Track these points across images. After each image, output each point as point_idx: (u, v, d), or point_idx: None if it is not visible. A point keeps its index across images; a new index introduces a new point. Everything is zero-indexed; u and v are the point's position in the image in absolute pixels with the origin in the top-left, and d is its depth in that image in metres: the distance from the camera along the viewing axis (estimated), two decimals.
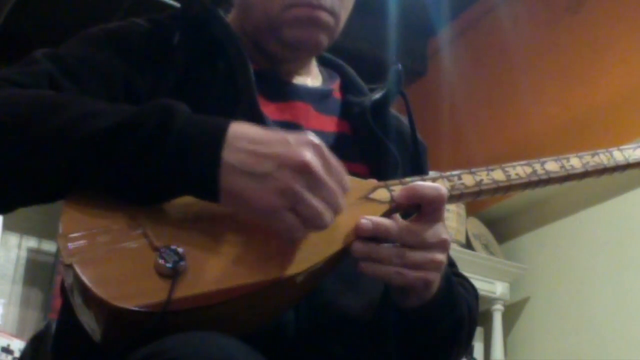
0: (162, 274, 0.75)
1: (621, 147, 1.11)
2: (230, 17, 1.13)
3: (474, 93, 3.55)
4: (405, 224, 0.86)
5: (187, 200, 0.81)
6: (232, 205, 0.79)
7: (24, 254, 3.61)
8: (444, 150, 3.29)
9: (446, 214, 0.92)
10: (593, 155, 1.07)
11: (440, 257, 0.87)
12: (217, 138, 0.79)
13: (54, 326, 1.01)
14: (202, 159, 0.78)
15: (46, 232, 3.54)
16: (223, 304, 0.76)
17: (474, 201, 1.17)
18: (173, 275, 0.74)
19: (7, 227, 3.47)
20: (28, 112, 0.84)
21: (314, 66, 1.17)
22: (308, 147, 0.79)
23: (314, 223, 0.78)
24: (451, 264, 1.06)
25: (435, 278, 0.89)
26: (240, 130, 0.80)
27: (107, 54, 1.01)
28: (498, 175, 0.98)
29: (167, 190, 0.81)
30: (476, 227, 3.28)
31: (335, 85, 1.16)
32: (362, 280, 0.94)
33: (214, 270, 0.77)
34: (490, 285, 3.07)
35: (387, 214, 0.87)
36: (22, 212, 0.96)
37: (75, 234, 0.77)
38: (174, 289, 0.73)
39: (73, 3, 3.40)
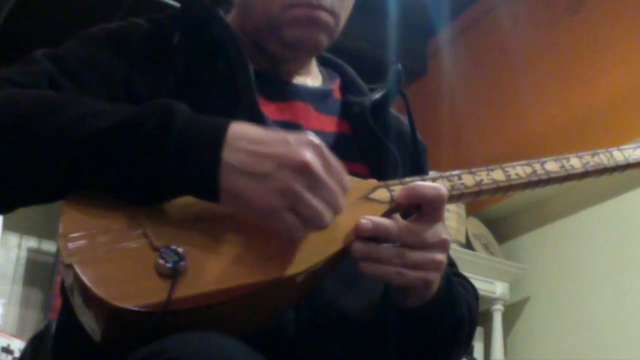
0: (162, 274, 0.75)
1: (621, 147, 1.11)
2: (230, 17, 1.13)
3: (474, 93, 3.54)
4: (405, 224, 0.86)
5: (187, 200, 0.81)
6: (232, 205, 0.79)
7: (24, 254, 3.61)
8: (444, 150, 3.29)
9: (446, 214, 0.92)
10: (593, 155, 1.07)
11: (440, 257, 0.87)
12: (217, 138, 0.79)
13: (54, 326, 1.01)
14: (202, 158, 0.78)
15: (46, 232, 3.54)
16: (223, 304, 0.76)
17: (474, 201, 1.17)
18: (173, 275, 0.74)
19: (7, 227, 3.47)
20: (28, 112, 0.84)
21: (314, 66, 1.17)
22: (308, 147, 0.79)
23: (313, 223, 0.78)
24: (451, 264, 1.06)
25: (435, 278, 0.89)
26: (240, 130, 0.80)
27: (107, 54, 1.01)
28: (498, 175, 0.98)
29: (167, 190, 0.81)
30: (476, 227, 3.28)
31: (335, 85, 1.16)
32: (362, 280, 0.94)
33: (214, 270, 0.77)
34: (490, 285, 3.07)
35: (387, 214, 0.87)
36: (22, 212, 0.96)
37: (75, 234, 0.77)
38: (174, 289, 0.73)
39: (73, 3, 3.40)
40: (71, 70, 0.97)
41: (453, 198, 0.94)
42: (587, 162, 1.06)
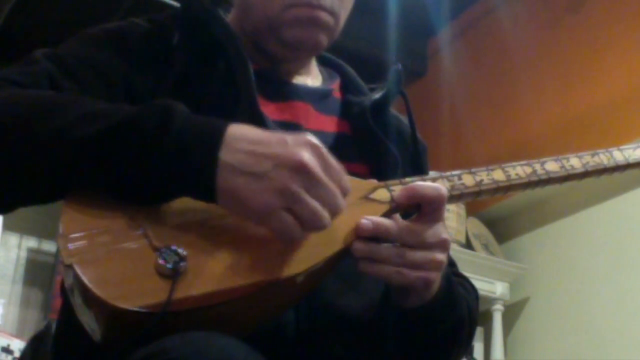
0: (162, 274, 0.75)
1: (621, 147, 1.11)
2: (230, 17, 1.13)
3: (474, 93, 3.55)
4: (405, 224, 0.86)
5: (187, 200, 0.81)
6: (229, 205, 0.79)
7: (24, 254, 3.61)
8: (444, 150, 3.29)
9: (446, 214, 0.92)
10: (593, 155, 1.07)
11: (441, 257, 0.87)
12: (216, 138, 0.79)
13: (54, 326, 1.01)
14: (199, 159, 0.78)
15: (46, 232, 3.54)
16: (223, 304, 0.76)
17: (474, 201, 1.17)
18: (173, 275, 0.74)
19: (7, 227, 3.47)
20: (28, 112, 0.84)
21: (313, 66, 1.17)
22: (306, 147, 0.79)
23: (311, 223, 0.78)
24: (451, 263, 1.06)
25: (436, 278, 0.89)
26: (238, 131, 0.80)
27: (107, 54, 1.01)
28: (498, 175, 0.98)
29: (165, 190, 0.81)
30: (476, 227, 3.29)
31: (335, 85, 1.16)
32: (362, 280, 0.94)
33: (214, 270, 0.77)
34: (490, 285, 3.07)
35: (387, 214, 0.87)
36: (22, 212, 0.96)
37: (76, 234, 0.77)
38: (174, 290, 0.73)
39: (73, 3, 3.40)
40: (71, 70, 0.97)
41: (453, 198, 0.94)
42: (587, 162, 1.06)
